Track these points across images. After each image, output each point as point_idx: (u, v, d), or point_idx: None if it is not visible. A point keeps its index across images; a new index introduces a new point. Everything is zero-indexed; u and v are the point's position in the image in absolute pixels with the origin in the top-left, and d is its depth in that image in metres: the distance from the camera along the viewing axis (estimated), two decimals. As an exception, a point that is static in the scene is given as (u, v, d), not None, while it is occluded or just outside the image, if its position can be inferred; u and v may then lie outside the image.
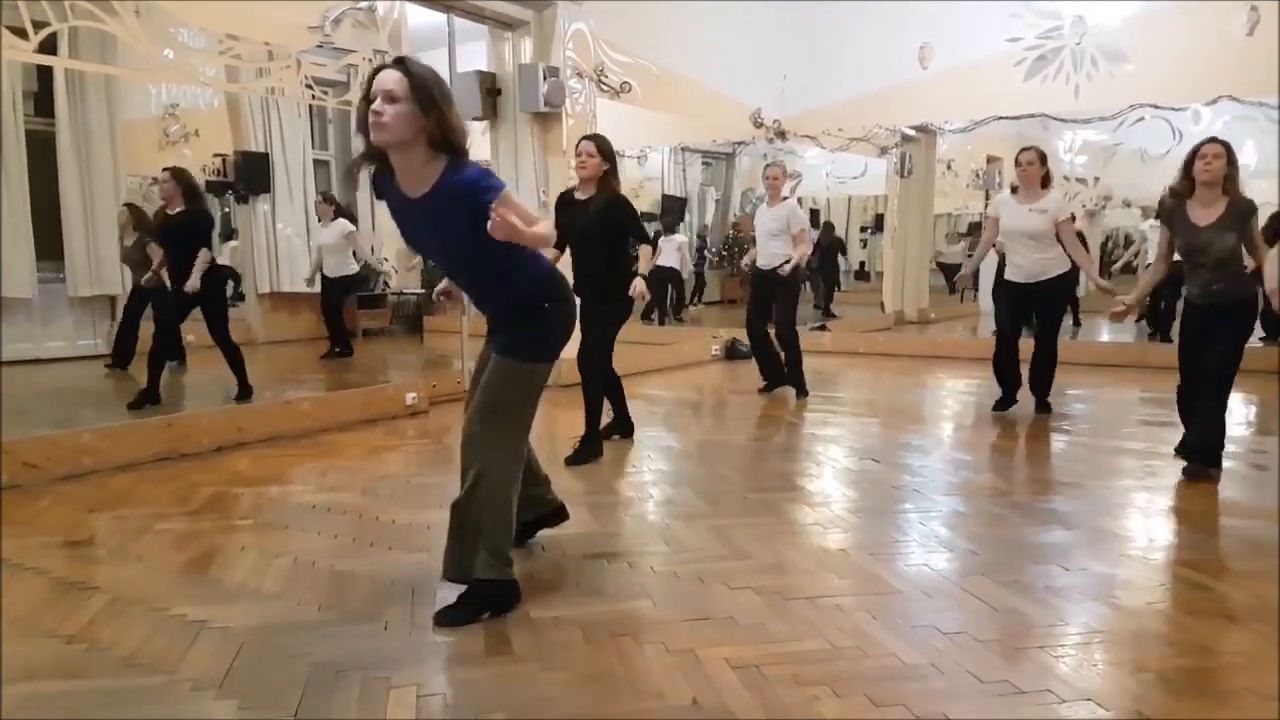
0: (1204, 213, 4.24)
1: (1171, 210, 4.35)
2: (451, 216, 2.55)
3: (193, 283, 5.69)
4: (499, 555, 2.77)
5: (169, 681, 2.36)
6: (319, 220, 8.10)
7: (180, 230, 5.74)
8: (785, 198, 6.67)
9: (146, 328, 6.30)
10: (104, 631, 2.67)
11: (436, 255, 2.89)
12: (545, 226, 2.61)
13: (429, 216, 2.61)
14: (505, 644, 2.57)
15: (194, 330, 6.17)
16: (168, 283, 5.95)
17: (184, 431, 4.96)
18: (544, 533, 3.38)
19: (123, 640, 2.60)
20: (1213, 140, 4.27)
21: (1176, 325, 4.78)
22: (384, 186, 2.65)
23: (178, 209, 5.78)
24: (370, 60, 5.98)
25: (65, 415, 5.50)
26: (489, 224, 2.40)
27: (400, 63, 2.52)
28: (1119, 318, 4.63)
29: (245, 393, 5.87)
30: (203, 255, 5.70)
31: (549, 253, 5.01)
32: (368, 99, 2.48)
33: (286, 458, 4.93)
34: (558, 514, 3.35)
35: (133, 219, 6.47)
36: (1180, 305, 4.64)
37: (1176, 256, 4.45)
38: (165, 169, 5.99)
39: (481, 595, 2.74)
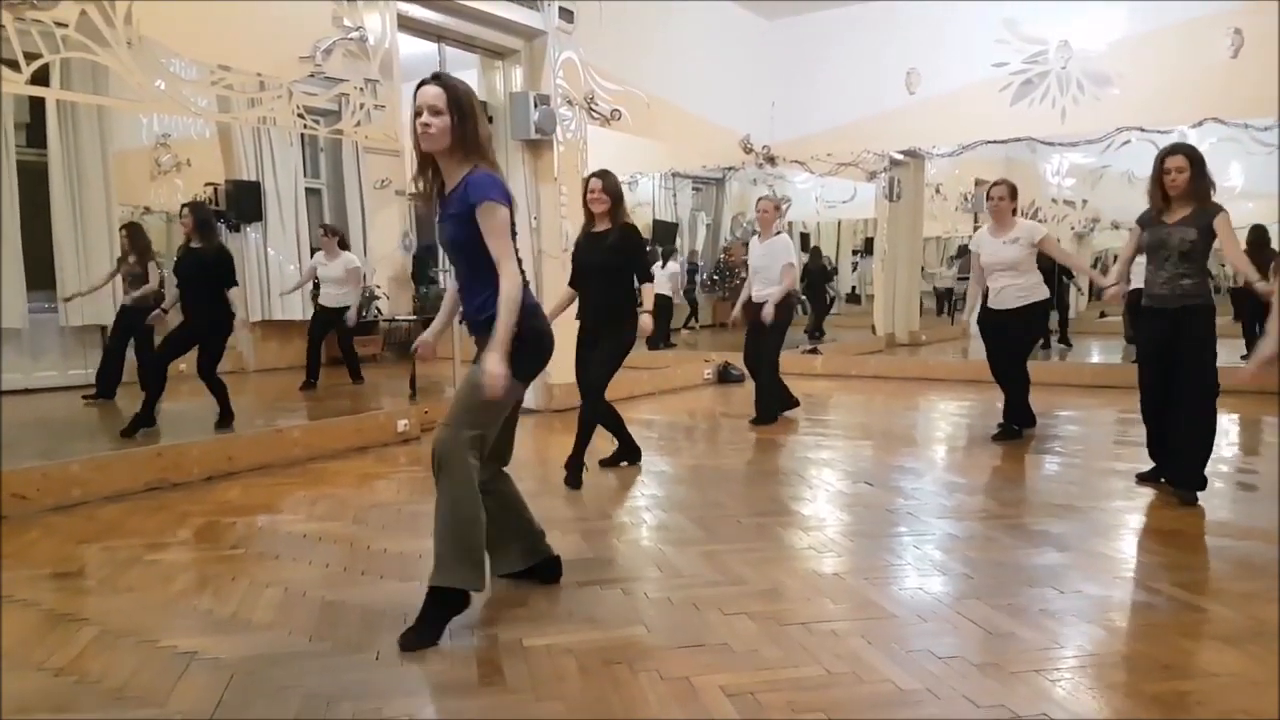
0: (1174, 216, 4.32)
1: (1148, 216, 4.41)
2: (458, 210, 2.79)
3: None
4: (467, 557, 2.80)
5: (159, 714, 2.33)
6: (322, 254, 7.98)
7: (200, 265, 5.81)
8: (778, 232, 6.71)
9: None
10: (94, 664, 2.65)
11: (446, 245, 3.00)
12: (511, 279, 2.74)
13: (446, 208, 2.87)
14: (498, 673, 2.55)
15: (184, 359, 6.16)
16: (160, 309, 6.01)
17: (174, 461, 4.94)
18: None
19: (113, 672, 2.58)
20: (1173, 152, 4.28)
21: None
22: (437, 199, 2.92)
23: (196, 244, 5.86)
24: (362, 89, 6.03)
25: (54, 446, 5.47)
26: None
27: (437, 78, 2.79)
28: (1114, 299, 4.78)
29: (226, 419, 5.86)
30: (234, 294, 5.91)
31: (563, 295, 5.08)
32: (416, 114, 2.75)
33: (277, 486, 4.91)
34: (552, 567, 3.28)
35: (128, 240, 6.54)
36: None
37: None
38: (184, 204, 6.17)
39: (438, 607, 2.78)
